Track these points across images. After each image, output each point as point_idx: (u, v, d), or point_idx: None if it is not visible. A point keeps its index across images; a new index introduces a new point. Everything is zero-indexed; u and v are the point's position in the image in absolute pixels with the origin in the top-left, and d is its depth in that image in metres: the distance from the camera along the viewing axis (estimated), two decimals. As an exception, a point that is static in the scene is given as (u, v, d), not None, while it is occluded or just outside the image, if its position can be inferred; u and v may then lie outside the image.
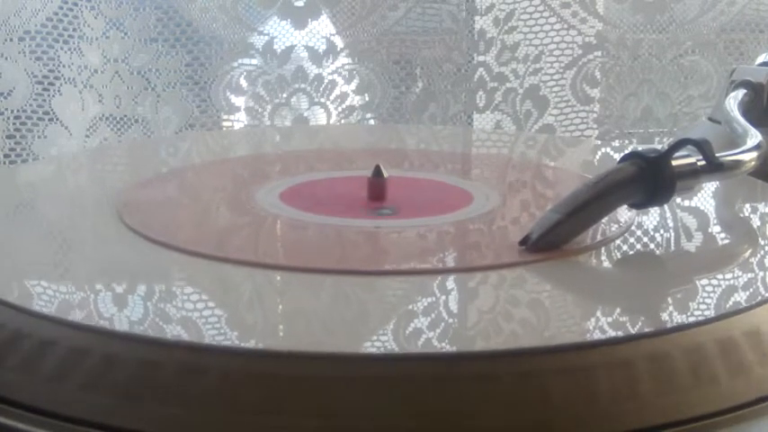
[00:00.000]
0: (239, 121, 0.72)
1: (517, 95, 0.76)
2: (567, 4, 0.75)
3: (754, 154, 0.42)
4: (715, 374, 0.30)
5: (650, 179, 0.37)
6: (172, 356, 0.29)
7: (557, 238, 0.37)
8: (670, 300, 0.34)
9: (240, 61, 0.71)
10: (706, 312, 0.32)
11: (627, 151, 0.38)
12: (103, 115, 0.70)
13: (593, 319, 0.33)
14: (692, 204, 0.45)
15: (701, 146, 0.39)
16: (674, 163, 0.38)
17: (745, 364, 0.30)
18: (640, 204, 0.39)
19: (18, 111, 0.68)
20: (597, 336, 0.31)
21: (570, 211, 0.37)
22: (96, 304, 0.33)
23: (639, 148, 0.38)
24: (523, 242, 0.37)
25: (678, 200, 0.44)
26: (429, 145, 0.61)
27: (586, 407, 0.28)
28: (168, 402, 0.28)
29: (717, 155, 0.39)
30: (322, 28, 0.72)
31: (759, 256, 0.39)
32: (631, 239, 0.40)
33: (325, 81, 0.72)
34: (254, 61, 0.71)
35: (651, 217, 0.42)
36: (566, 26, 0.76)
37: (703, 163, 0.39)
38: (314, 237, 0.41)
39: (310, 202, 0.44)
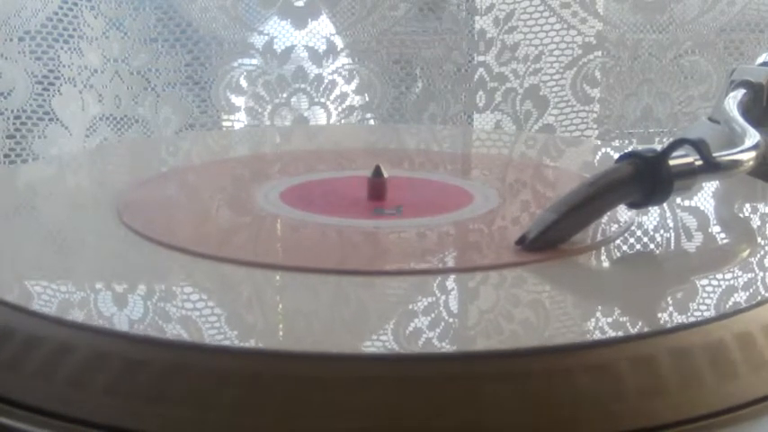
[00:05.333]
0: (239, 121, 0.72)
1: (517, 95, 0.76)
2: (567, 4, 0.75)
3: (751, 153, 0.42)
4: (735, 369, 0.30)
5: (647, 178, 0.37)
6: (169, 357, 0.29)
7: (554, 238, 0.37)
8: (680, 297, 0.34)
9: (240, 61, 0.71)
10: (713, 310, 0.32)
11: (625, 151, 0.38)
12: (103, 115, 0.70)
13: (604, 317, 0.33)
14: (692, 204, 0.45)
15: (698, 145, 0.39)
16: (671, 162, 0.38)
17: (764, 359, 0.30)
18: (638, 204, 0.39)
19: (18, 111, 0.68)
20: (616, 333, 0.31)
21: (567, 210, 0.37)
22: (98, 306, 0.33)
23: (638, 148, 0.38)
24: (520, 241, 0.37)
25: (677, 200, 0.44)
26: (429, 145, 0.61)
27: (612, 404, 0.28)
28: (163, 402, 0.28)
29: (714, 154, 0.39)
30: (322, 28, 0.72)
31: (761, 254, 0.39)
32: (631, 239, 0.40)
33: (326, 81, 0.72)
34: (254, 61, 0.71)
35: (651, 217, 0.42)
36: (566, 26, 0.76)
37: (701, 162, 0.39)
38: (314, 237, 0.41)
39: (310, 202, 0.44)
